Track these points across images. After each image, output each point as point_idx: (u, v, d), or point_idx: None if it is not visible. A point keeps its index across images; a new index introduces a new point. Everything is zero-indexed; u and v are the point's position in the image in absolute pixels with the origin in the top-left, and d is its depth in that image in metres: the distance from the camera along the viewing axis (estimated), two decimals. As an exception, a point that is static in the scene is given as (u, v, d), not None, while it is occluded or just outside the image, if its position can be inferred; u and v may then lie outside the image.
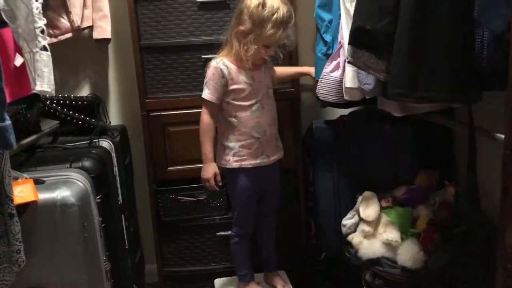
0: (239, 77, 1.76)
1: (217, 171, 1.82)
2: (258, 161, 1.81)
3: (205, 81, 1.78)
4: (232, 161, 1.81)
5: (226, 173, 1.86)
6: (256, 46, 1.70)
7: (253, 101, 1.77)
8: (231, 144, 1.80)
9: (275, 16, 1.66)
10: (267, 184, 1.89)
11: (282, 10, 1.68)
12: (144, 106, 1.97)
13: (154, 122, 1.98)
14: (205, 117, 1.79)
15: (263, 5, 1.66)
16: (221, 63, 1.76)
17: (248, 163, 1.81)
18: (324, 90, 1.77)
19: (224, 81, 1.75)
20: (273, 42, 1.72)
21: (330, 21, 1.78)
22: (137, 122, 2.06)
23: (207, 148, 1.79)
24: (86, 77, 2.28)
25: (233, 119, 1.79)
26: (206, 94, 1.77)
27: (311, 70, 1.94)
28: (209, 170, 1.80)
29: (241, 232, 1.91)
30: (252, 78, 1.77)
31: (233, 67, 1.76)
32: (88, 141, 1.93)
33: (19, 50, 1.37)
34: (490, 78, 1.23)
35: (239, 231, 1.91)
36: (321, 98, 1.81)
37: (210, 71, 1.77)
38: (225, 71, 1.75)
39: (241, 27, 1.70)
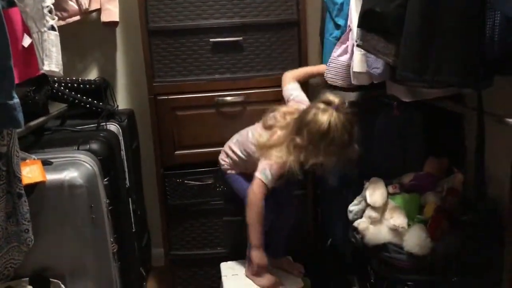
0: None
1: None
2: None
3: (268, 165, 1.70)
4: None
5: (227, 176, 1.88)
6: (303, 161, 1.64)
7: None
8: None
9: (331, 148, 1.58)
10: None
11: (341, 139, 1.58)
12: (151, 90, 1.97)
13: (161, 106, 1.98)
14: (260, 198, 1.72)
15: (326, 133, 1.56)
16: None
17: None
18: (332, 74, 1.76)
19: None
20: (320, 161, 1.65)
21: (342, 4, 1.76)
22: (144, 106, 2.06)
23: (256, 234, 1.74)
24: (94, 60, 2.28)
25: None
26: (269, 179, 1.70)
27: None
28: (258, 260, 1.77)
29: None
30: None
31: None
32: (96, 125, 1.94)
33: (27, 30, 1.37)
34: (502, 62, 1.22)
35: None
36: (329, 82, 1.80)
37: (278, 165, 1.69)
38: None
39: (298, 140, 1.62)
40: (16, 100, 1.06)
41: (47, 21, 1.26)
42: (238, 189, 1.86)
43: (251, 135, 1.81)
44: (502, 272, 1.25)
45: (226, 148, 1.90)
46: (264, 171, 1.70)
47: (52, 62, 1.29)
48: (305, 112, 1.60)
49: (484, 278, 1.57)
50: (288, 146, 1.62)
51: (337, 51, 1.73)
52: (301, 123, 1.60)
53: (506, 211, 1.10)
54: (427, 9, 1.21)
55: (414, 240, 1.65)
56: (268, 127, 1.73)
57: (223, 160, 1.90)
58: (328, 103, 1.57)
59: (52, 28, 1.29)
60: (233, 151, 1.85)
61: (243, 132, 1.87)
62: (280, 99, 1.99)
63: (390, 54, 1.39)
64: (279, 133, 1.67)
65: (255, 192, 1.71)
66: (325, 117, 1.54)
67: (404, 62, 1.26)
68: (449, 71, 1.22)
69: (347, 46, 1.69)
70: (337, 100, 1.57)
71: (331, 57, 1.75)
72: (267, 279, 1.83)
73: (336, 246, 2.02)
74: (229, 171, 1.88)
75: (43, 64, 1.30)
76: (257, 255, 1.75)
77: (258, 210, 1.71)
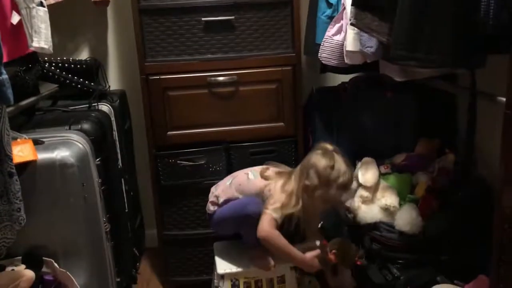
0: None
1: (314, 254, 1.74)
2: None
3: (272, 201, 1.69)
4: None
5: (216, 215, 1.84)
6: (321, 203, 1.71)
7: None
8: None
9: (341, 179, 1.66)
10: None
11: (348, 175, 1.67)
12: (143, 69, 1.95)
13: (153, 86, 1.96)
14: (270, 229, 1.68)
15: (332, 167, 1.65)
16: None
17: None
18: (326, 53, 1.75)
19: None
20: (332, 201, 1.73)
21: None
22: (136, 87, 2.04)
23: (293, 252, 1.71)
24: (85, 40, 2.26)
25: None
26: (273, 214, 1.68)
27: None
28: (311, 263, 1.72)
29: None
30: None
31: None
32: (87, 105, 1.92)
33: (15, 7, 1.35)
34: (496, 41, 1.21)
35: None
36: (323, 62, 1.79)
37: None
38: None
39: (307, 182, 1.68)
40: (5, 76, 1.05)
41: (35, -4, 1.24)
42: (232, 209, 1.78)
43: (252, 176, 1.78)
44: (491, 250, 1.26)
45: (215, 196, 1.84)
46: (274, 207, 1.68)
47: (41, 39, 1.27)
48: (307, 159, 1.71)
49: (474, 256, 1.59)
50: (302, 193, 1.68)
51: (331, 30, 1.71)
52: (307, 168, 1.69)
53: (497, 185, 1.11)
54: (421, -13, 1.20)
55: (405, 219, 1.67)
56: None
57: (213, 206, 1.85)
58: (326, 148, 1.71)
59: (41, 4, 1.27)
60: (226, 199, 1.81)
61: (239, 175, 1.83)
62: (271, 80, 1.99)
63: (384, 33, 1.39)
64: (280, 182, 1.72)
65: (263, 228, 1.65)
66: (328, 156, 1.67)
67: (397, 40, 1.26)
68: (442, 50, 1.22)
69: (341, 25, 1.68)
70: (332, 146, 1.72)
71: (325, 36, 1.73)
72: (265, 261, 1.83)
73: (326, 228, 2.04)
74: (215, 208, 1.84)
75: (32, 40, 1.28)
76: (304, 267, 1.76)
77: (278, 241, 1.66)
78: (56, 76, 1.96)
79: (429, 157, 1.93)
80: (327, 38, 1.72)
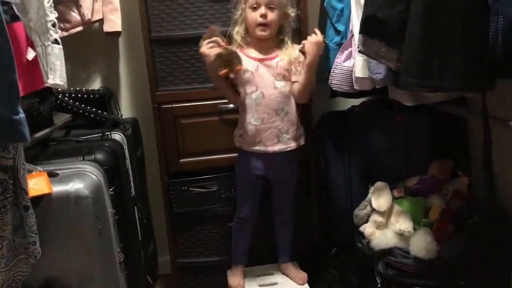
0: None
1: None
2: (255, 148, 1.85)
3: None
4: (237, 140, 1.91)
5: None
6: (242, 14, 1.79)
7: (253, 88, 1.81)
8: (240, 127, 1.90)
9: None
10: (271, 174, 1.89)
11: None
12: (155, 98, 1.98)
13: (165, 114, 1.99)
14: None
15: None
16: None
17: (246, 147, 1.88)
18: (337, 80, 1.76)
19: None
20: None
21: (342, 10, 1.77)
22: (148, 115, 2.06)
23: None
24: (97, 70, 2.29)
25: (241, 106, 1.86)
26: None
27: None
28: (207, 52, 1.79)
29: (239, 215, 1.96)
30: (257, 66, 1.81)
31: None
32: (100, 134, 1.95)
33: (31, 44, 1.38)
34: (505, 66, 1.22)
35: (237, 213, 1.97)
36: (334, 88, 1.80)
37: None
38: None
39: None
40: (22, 115, 1.06)
41: (50, 35, 1.27)
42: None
43: None
44: (509, 275, 1.24)
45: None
46: None
47: (56, 76, 1.30)
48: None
49: (491, 281, 1.57)
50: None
51: (340, 56, 1.73)
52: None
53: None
54: (430, 14, 1.21)
55: (420, 244, 1.64)
56: None
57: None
58: None
59: (56, 41, 1.30)
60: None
61: None
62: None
63: (393, 60, 1.39)
64: None
65: None
66: None
67: (407, 68, 1.26)
68: (453, 76, 1.22)
69: (350, 51, 1.69)
70: None
71: (335, 63, 1.75)
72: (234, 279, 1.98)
73: (341, 254, 2.02)
74: (237, 143, 1.94)
75: (47, 77, 1.31)
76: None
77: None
78: (70, 106, 1.98)
79: (442, 180, 1.91)
80: (337, 65, 1.74)
